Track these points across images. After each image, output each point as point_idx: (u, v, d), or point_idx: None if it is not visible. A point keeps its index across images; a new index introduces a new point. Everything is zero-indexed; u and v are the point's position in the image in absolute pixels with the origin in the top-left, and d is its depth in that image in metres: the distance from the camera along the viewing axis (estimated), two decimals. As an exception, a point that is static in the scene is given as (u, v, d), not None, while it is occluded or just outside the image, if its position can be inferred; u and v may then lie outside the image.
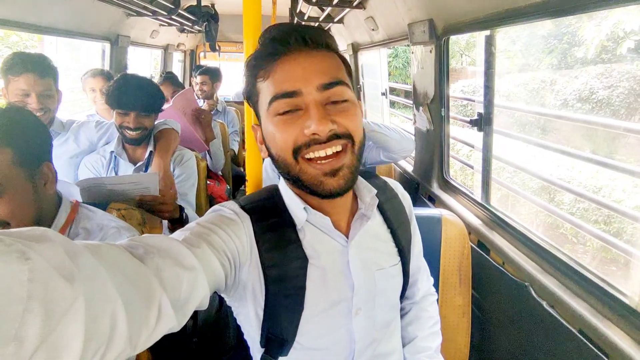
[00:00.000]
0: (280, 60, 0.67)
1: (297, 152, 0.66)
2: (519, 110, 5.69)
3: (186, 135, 2.16)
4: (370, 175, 0.87)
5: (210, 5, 3.82)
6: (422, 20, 1.68)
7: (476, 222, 1.50)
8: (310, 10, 2.91)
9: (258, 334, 0.75)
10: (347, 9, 2.56)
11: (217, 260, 0.63)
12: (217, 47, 4.20)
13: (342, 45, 3.53)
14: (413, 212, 0.90)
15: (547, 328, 1.06)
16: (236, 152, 3.30)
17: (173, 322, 0.51)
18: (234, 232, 0.69)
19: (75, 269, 0.38)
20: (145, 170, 1.71)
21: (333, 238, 0.75)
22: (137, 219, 1.22)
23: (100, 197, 1.29)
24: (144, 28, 3.39)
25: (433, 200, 1.91)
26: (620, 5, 0.90)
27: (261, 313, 0.73)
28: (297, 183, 0.70)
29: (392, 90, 3.42)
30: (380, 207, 0.82)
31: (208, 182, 2.36)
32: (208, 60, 5.29)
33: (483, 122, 1.46)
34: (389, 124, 3.18)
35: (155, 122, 1.79)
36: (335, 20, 3.05)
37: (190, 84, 4.21)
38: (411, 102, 2.05)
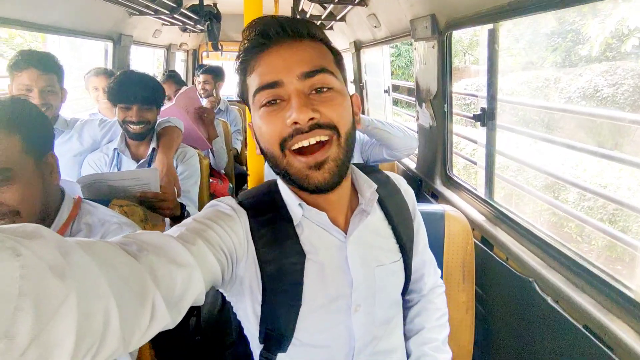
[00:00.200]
0: (263, 54, 0.67)
1: (283, 144, 0.66)
2: (521, 105, 5.65)
3: (189, 134, 2.17)
4: (372, 170, 0.86)
5: (212, 4, 3.82)
6: (425, 16, 1.67)
7: (480, 218, 1.49)
8: (313, 8, 2.91)
9: (257, 330, 0.75)
10: (349, 6, 2.56)
11: (212, 256, 0.62)
12: (220, 47, 4.20)
13: (345, 44, 3.52)
14: (417, 207, 0.89)
15: (552, 324, 1.05)
16: (239, 151, 3.30)
17: (167, 319, 0.51)
18: (230, 227, 0.69)
19: (67, 266, 0.38)
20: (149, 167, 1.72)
21: (330, 233, 0.74)
22: (139, 215, 1.22)
23: (102, 194, 1.29)
24: (146, 27, 3.39)
25: (436, 197, 1.90)
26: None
27: (259, 309, 0.73)
28: (286, 177, 0.70)
29: (396, 89, 3.41)
30: (381, 203, 0.81)
31: (211, 180, 2.37)
32: (211, 59, 5.30)
33: (486, 117, 1.45)
34: (391, 121, 3.17)
35: (159, 120, 1.79)
36: (338, 18, 3.05)
37: (193, 84, 4.22)
38: (414, 99, 2.04)
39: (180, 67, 5.15)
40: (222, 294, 1.76)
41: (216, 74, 3.39)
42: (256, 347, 0.78)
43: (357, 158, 1.79)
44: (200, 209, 1.92)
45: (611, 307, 0.92)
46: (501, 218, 1.39)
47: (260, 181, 1.06)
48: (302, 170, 0.66)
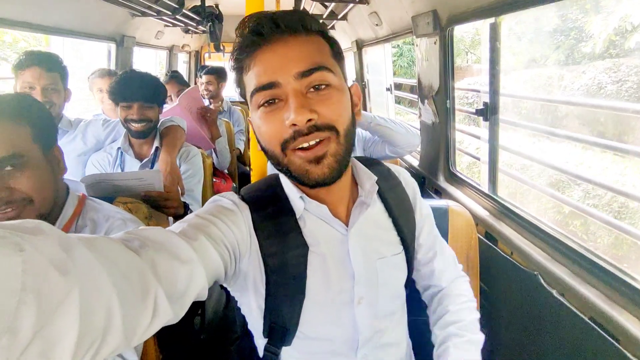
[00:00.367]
0: (257, 52, 0.66)
1: (284, 145, 0.66)
2: (524, 98, 5.62)
3: (192, 133, 2.17)
4: (372, 163, 0.85)
5: (214, 5, 3.84)
6: (426, 12, 1.67)
7: (483, 213, 1.48)
8: (314, 8, 2.91)
9: (261, 324, 0.75)
10: (351, 5, 2.56)
11: (215, 252, 0.62)
12: (222, 47, 4.22)
13: (347, 43, 3.52)
14: (420, 199, 0.88)
15: (558, 317, 1.04)
16: (242, 151, 3.31)
17: (169, 315, 0.50)
18: (232, 222, 0.69)
19: (69, 261, 0.38)
20: (152, 166, 1.72)
21: (332, 226, 0.74)
22: (143, 212, 1.23)
23: (105, 192, 1.30)
24: (148, 29, 3.41)
25: (440, 193, 1.89)
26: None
27: (262, 303, 0.73)
28: (287, 174, 0.70)
29: (398, 87, 3.41)
30: (381, 195, 0.80)
31: (214, 180, 2.37)
32: (213, 60, 5.32)
33: (489, 112, 1.44)
34: (394, 118, 3.17)
35: (162, 120, 1.80)
36: (339, 17, 3.05)
37: (195, 84, 4.23)
38: (416, 96, 2.04)
39: (182, 69, 5.17)
40: (226, 291, 1.76)
41: (219, 74, 3.39)
42: (260, 341, 0.78)
43: (359, 155, 1.78)
44: (203, 207, 1.92)
45: (617, 298, 0.91)
46: (505, 212, 1.39)
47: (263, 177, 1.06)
48: (302, 165, 0.66)
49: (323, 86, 0.65)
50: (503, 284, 1.32)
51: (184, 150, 1.83)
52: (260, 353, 0.79)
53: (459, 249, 1.11)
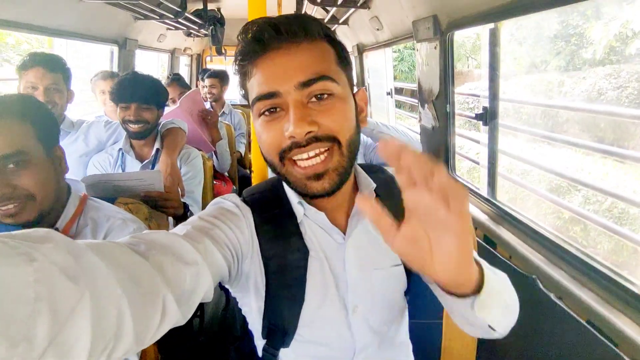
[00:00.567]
0: (258, 60, 0.64)
1: (282, 154, 0.65)
2: (523, 103, 5.63)
3: (193, 136, 2.18)
4: (375, 169, 0.84)
5: (216, 9, 3.86)
6: (426, 17, 1.69)
7: (482, 217, 1.49)
8: (315, 12, 2.93)
9: (260, 325, 0.75)
10: (352, 10, 2.57)
11: (219, 253, 0.63)
12: (224, 51, 4.24)
13: (348, 47, 3.53)
14: None
15: (556, 320, 1.05)
16: (242, 154, 3.31)
17: (178, 317, 0.51)
18: (235, 224, 0.69)
19: (79, 268, 0.39)
20: (152, 168, 1.73)
21: (329, 234, 0.74)
22: (144, 213, 1.23)
23: (106, 193, 1.31)
24: (151, 32, 3.43)
25: (439, 198, 1.89)
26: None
27: (262, 304, 0.73)
28: (286, 182, 0.70)
29: (399, 91, 3.42)
30: (380, 203, 0.78)
31: (215, 182, 2.38)
32: (214, 64, 5.34)
33: (488, 116, 1.45)
34: (394, 123, 3.18)
35: (163, 121, 1.81)
36: (340, 21, 3.06)
37: (197, 87, 4.25)
38: (417, 101, 2.05)
39: (184, 72, 5.19)
40: (225, 293, 1.76)
41: (222, 78, 3.40)
42: (260, 342, 0.78)
43: (360, 161, 1.79)
44: (203, 209, 1.93)
45: (614, 302, 0.91)
46: (504, 217, 1.39)
47: (263, 179, 1.07)
48: (301, 179, 0.65)
49: (325, 96, 0.63)
50: (502, 288, 1.32)
51: (184, 152, 1.84)
52: (260, 354, 0.79)
53: (458, 252, 1.11)
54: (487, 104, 1.47)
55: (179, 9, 2.89)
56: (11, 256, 0.34)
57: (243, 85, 0.70)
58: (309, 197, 0.67)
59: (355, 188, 0.78)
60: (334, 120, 0.63)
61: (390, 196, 0.79)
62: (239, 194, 0.79)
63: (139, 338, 0.45)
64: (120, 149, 1.76)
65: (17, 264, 0.34)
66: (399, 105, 3.40)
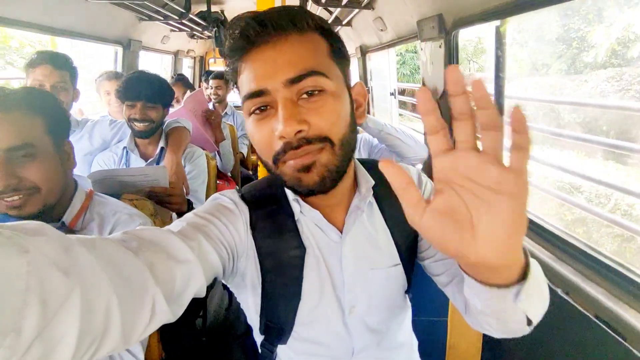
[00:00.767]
0: (246, 56, 0.62)
1: (276, 158, 0.62)
2: (529, 100, 5.60)
3: (197, 136, 2.19)
4: (376, 166, 0.82)
5: (219, 11, 3.88)
6: (431, 16, 1.69)
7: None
8: (318, 14, 2.93)
9: (257, 322, 0.74)
10: (356, 11, 2.58)
11: (213, 251, 0.62)
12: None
13: (351, 49, 3.54)
14: None
15: (563, 315, 1.04)
16: (245, 155, 3.32)
17: (167, 315, 0.51)
18: (230, 222, 0.68)
19: (70, 262, 0.39)
20: (157, 166, 1.74)
21: (325, 233, 0.72)
22: (149, 209, 1.23)
23: (112, 189, 1.31)
24: (155, 33, 3.45)
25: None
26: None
27: (259, 301, 0.72)
28: (282, 182, 0.67)
29: (401, 92, 3.42)
30: (378, 202, 0.76)
31: (218, 182, 2.38)
32: (217, 66, 5.37)
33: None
34: (397, 124, 3.18)
35: (167, 121, 1.82)
36: (344, 23, 3.07)
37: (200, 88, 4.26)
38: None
39: (187, 74, 5.21)
40: (228, 292, 1.75)
41: (227, 79, 3.41)
42: (258, 338, 0.78)
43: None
44: (205, 207, 1.93)
45: (622, 296, 0.91)
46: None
47: None
48: (293, 175, 0.62)
49: (316, 92, 0.60)
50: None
51: (188, 151, 1.85)
52: (259, 349, 0.79)
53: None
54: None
55: (183, 10, 2.91)
56: (5, 246, 0.34)
57: (236, 83, 0.67)
58: (304, 194, 0.65)
59: (355, 186, 0.75)
60: (325, 118, 0.60)
61: (390, 195, 0.75)
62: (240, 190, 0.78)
63: (126, 335, 0.44)
64: (124, 148, 1.77)
65: (9, 255, 0.34)
66: (401, 106, 3.40)
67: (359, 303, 0.73)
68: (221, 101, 3.37)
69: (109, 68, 2.95)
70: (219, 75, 3.37)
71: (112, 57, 3.04)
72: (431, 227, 0.41)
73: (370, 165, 0.78)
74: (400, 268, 0.76)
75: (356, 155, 0.76)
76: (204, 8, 3.42)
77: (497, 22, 1.36)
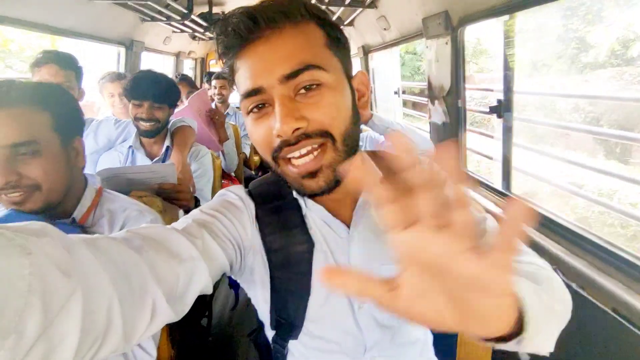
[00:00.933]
0: (240, 54, 0.60)
1: (275, 155, 0.61)
2: (538, 94, 5.58)
3: (201, 135, 2.18)
4: (385, 157, 0.81)
5: (221, 12, 3.88)
6: (437, 13, 1.69)
7: (498, 211, 1.48)
8: (322, 13, 2.93)
9: (268, 317, 0.73)
10: (359, 10, 2.59)
11: (218, 248, 0.61)
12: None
13: (353, 49, 3.54)
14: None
15: (579, 310, 1.02)
16: (247, 156, 3.32)
17: (169, 314, 0.50)
18: (236, 217, 0.67)
19: (72, 263, 0.39)
20: (162, 165, 1.73)
21: (332, 229, 0.71)
22: (157, 206, 1.23)
23: (120, 186, 1.31)
24: (157, 34, 3.45)
25: (450, 194, 1.89)
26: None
27: (269, 297, 0.71)
28: (284, 181, 0.65)
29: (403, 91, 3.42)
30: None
31: (223, 181, 2.38)
32: (218, 67, 5.36)
33: (502, 109, 1.45)
34: (401, 121, 3.18)
35: (173, 120, 1.81)
36: (346, 23, 3.07)
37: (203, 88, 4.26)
38: (422, 99, 2.05)
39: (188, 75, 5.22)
40: (235, 291, 1.73)
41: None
42: (270, 333, 0.77)
43: None
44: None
45: (638, 288, 0.90)
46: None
47: None
48: (296, 179, 0.61)
49: (314, 86, 0.58)
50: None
51: (194, 150, 1.84)
52: (272, 345, 0.78)
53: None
54: (496, 100, 1.47)
55: (185, 11, 2.91)
56: (7, 247, 0.34)
57: (233, 82, 0.65)
58: (308, 196, 0.64)
59: None
60: (325, 113, 0.58)
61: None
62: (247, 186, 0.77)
63: (128, 335, 0.44)
64: (130, 147, 1.76)
65: (12, 256, 0.34)
66: (402, 104, 3.40)
67: (368, 300, 0.71)
68: (224, 101, 3.37)
69: (107, 70, 2.93)
70: (223, 75, 3.36)
71: (108, 59, 3.04)
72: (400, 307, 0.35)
73: (381, 157, 0.76)
74: None
75: None
76: (205, 9, 3.43)
77: (505, 17, 1.36)
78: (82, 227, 0.98)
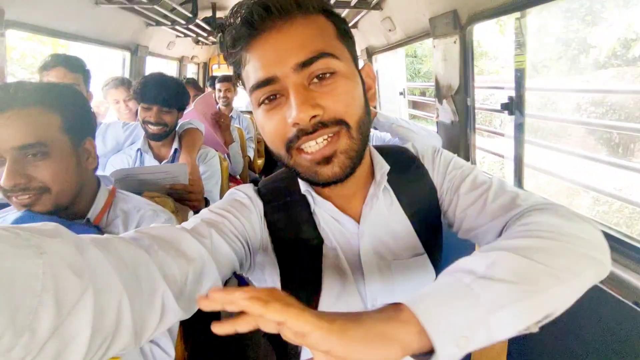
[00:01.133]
0: (251, 44, 0.58)
1: (289, 146, 0.60)
2: (549, 90, 5.57)
3: (207, 138, 2.18)
4: (392, 150, 0.77)
5: (224, 17, 3.90)
6: (445, 13, 1.69)
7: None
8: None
9: None
10: (364, 12, 2.59)
11: (227, 246, 0.61)
12: (231, 58, 4.27)
13: (357, 51, 3.55)
14: (453, 178, 0.72)
15: (599, 304, 1.02)
16: (252, 159, 3.32)
17: (178, 313, 0.50)
18: (244, 216, 0.67)
19: (84, 263, 0.40)
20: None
21: (341, 224, 0.70)
22: (170, 207, 1.23)
23: (133, 187, 1.30)
24: (161, 39, 3.47)
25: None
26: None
27: None
28: (296, 174, 0.65)
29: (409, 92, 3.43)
30: (395, 189, 0.72)
31: (230, 183, 2.38)
32: (221, 71, 5.39)
33: (514, 106, 1.45)
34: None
35: (180, 122, 1.81)
36: (350, 25, 3.08)
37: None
38: (426, 99, 2.05)
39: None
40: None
41: (234, 82, 3.43)
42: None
43: None
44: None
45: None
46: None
47: None
48: (310, 167, 0.60)
49: (327, 75, 0.57)
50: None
51: (202, 152, 1.84)
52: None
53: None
54: (512, 94, 1.47)
55: (190, 15, 2.93)
56: (22, 247, 0.36)
57: (239, 76, 0.64)
58: (321, 185, 0.62)
59: (371, 173, 0.72)
60: (340, 100, 0.58)
61: (407, 181, 0.73)
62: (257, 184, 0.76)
63: (138, 334, 0.45)
64: (138, 149, 1.76)
65: (27, 256, 0.35)
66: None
67: (381, 296, 0.70)
68: (228, 104, 3.38)
69: (110, 75, 2.93)
70: (227, 78, 3.38)
71: (112, 65, 3.05)
72: None
73: (388, 150, 0.76)
74: (425, 258, 0.72)
75: None
76: (209, 14, 3.45)
77: (516, 14, 1.36)
78: (97, 228, 0.97)
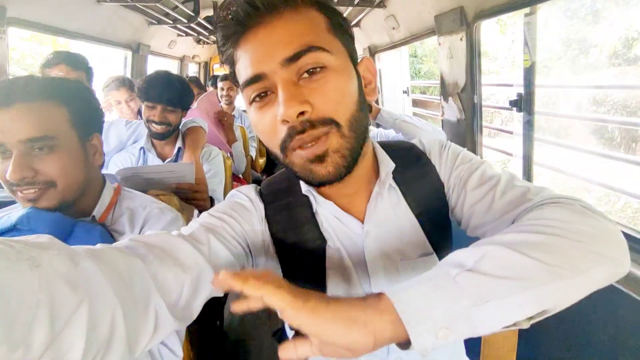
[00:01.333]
0: (240, 41, 0.57)
1: (283, 146, 0.58)
2: (558, 87, 5.55)
3: (210, 137, 2.17)
4: (398, 146, 0.75)
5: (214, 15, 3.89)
6: (452, 10, 1.68)
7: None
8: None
9: None
10: (367, 10, 2.58)
11: (226, 251, 0.60)
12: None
13: (359, 51, 3.53)
14: (460, 172, 0.69)
15: (611, 302, 1.00)
16: (253, 158, 3.31)
17: (172, 324, 0.50)
18: (245, 219, 0.66)
19: (78, 276, 0.40)
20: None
21: (344, 224, 0.68)
22: (175, 205, 1.21)
23: (139, 186, 1.29)
24: (162, 38, 3.46)
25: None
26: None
27: None
28: (293, 173, 0.62)
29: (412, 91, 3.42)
30: (401, 187, 0.70)
31: (234, 182, 2.37)
32: (222, 71, 5.39)
33: (523, 102, 1.44)
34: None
35: (184, 120, 1.80)
36: (352, 23, 3.07)
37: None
38: (429, 97, 2.04)
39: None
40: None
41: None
42: (290, 332, 0.76)
43: None
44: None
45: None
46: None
47: None
48: (304, 165, 0.58)
49: (317, 69, 0.55)
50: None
51: (205, 150, 1.83)
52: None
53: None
54: (521, 91, 1.45)
55: (192, 14, 2.92)
56: (17, 261, 0.36)
57: (233, 74, 0.62)
58: (317, 184, 0.60)
59: (376, 171, 0.69)
60: (329, 97, 0.55)
61: (413, 178, 0.71)
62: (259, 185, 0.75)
63: (132, 346, 0.45)
64: (141, 148, 1.75)
65: (22, 270, 0.35)
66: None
67: None
68: (230, 103, 3.37)
69: (111, 75, 2.90)
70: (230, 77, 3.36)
71: (113, 64, 3.03)
72: None
73: (392, 148, 0.73)
74: (434, 257, 0.69)
75: None
76: (210, 13, 3.43)
77: (526, 10, 1.35)
78: (102, 226, 0.95)
